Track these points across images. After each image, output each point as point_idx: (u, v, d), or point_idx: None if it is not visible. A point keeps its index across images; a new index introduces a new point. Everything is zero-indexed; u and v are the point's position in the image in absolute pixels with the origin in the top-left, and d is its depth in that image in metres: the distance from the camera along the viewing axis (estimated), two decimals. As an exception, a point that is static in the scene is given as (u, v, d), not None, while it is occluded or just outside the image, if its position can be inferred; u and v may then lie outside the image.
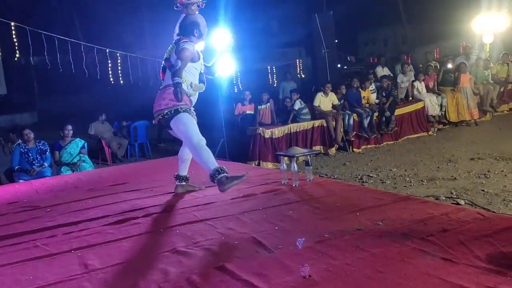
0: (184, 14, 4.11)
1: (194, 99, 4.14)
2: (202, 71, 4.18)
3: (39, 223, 3.70)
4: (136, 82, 11.96)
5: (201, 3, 4.12)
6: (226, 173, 3.70)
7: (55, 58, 10.35)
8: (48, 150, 7.10)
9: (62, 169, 7.18)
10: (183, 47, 3.85)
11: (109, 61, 11.39)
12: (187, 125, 3.88)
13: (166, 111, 3.90)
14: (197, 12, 4.12)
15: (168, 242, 2.96)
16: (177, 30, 4.09)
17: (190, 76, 4.00)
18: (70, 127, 7.41)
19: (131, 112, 12.09)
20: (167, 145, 11.69)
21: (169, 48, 4.08)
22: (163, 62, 4.11)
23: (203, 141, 3.87)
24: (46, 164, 6.98)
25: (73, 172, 7.06)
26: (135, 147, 10.65)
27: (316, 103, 9.47)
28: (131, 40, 26.04)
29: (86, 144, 7.63)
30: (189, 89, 4.01)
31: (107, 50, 11.17)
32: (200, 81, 4.15)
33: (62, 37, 10.04)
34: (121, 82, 11.09)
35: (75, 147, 7.38)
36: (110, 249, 2.93)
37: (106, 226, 3.47)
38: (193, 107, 4.11)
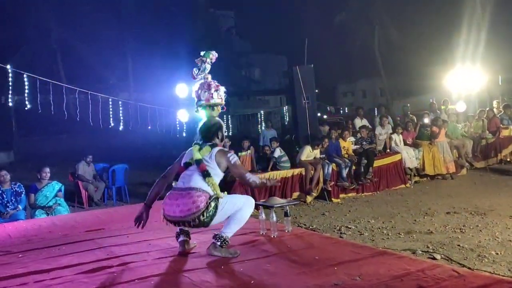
0: (205, 118, 4.14)
1: None
2: None
3: (10, 270, 3.60)
4: (116, 125, 11.96)
5: (223, 106, 4.31)
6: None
7: (36, 98, 10.33)
8: (24, 193, 6.97)
9: (36, 213, 7.03)
10: (236, 163, 3.86)
11: (90, 104, 11.42)
12: (234, 200, 3.91)
13: (207, 211, 3.67)
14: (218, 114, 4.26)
15: (142, 294, 2.90)
16: (199, 133, 4.03)
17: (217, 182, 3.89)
18: (47, 169, 7.32)
19: (110, 155, 12.02)
20: (146, 189, 11.57)
21: (200, 150, 3.88)
22: (189, 161, 3.89)
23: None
24: (20, 207, 6.83)
25: (48, 215, 6.92)
26: (112, 190, 10.51)
27: (303, 156, 9.49)
28: (114, 82, 26.25)
29: (63, 188, 7.52)
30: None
31: (89, 93, 11.21)
32: None
33: (43, 78, 10.06)
34: (101, 125, 11.08)
35: (51, 190, 7.26)
36: (82, 300, 2.86)
37: (80, 274, 3.40)
38: None
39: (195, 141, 4.03)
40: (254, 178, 3.87)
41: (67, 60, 25.53)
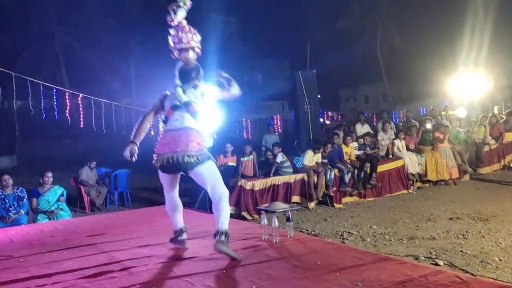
0: (181, 62, 4.24)
1: None
2: None
3: (11, 274, 3.60)
4: (119, 130, 11.96)
5: (199, 48, 4.33)
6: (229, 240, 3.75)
7: (39, 103, 10.35)
8: (26, 197, 6.98)
9: (38, 217, 7.03)
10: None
11: (93, 109, 11.43)
12: (217, 173, 3.95)
13: (196, 155, 3.81)
14: (195, 58, 4.32)
15: (144, 299, 2.89)
16: (178, 75, 4.19)
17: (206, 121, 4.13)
18: (50, 174, 7.33)
19: (112, 160, 12.02)
20: (149, 194, 11.58)
21: (184, 92, 4.06)
22: (176, 103, 4.05)
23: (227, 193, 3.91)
24: (22, 211, 6.84)
25: (50, 220, 6.92)
26: (115, 195, 10.51)
27: (305, 161, 9.50)
28: (117, 87, 26.31)
29: (65, 192, 7.52)
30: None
31: (92, 98, 11.23)
32: None
33: (46, 83, 10.07)
34: (104, 130, 11.09)
35: (53, 194, 7.27)
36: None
37: (81, 279, 3.39)
38: None
39: (176, 84, 4.17)
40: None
41: (71, 65, 25.61)
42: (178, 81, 4.18)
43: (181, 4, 4.22)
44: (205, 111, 4.08)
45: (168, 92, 4.22)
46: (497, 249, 5.63)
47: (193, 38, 4.24)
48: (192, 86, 4.10)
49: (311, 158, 9.54)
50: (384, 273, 3.17)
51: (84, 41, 25.44)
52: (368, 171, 9.98)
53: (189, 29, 4.24)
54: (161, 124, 4.16)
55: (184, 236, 4.22)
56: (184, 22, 4.25)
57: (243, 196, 8.68)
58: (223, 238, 3.66)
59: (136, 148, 3.99)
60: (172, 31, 4.24)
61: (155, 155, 3.94)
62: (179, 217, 4.24)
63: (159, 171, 4.04)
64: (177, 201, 4.23)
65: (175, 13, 4.19)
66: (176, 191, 4.23)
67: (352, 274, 3.19)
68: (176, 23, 4.22)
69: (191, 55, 4.24)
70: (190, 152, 3.79)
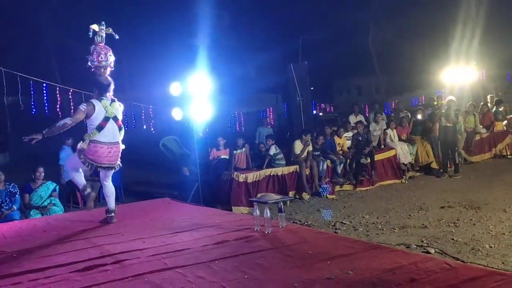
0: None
1: None
2: None
3: (4, 269, 3.59)
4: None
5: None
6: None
7: (30, 99, 10.27)
8: (18, 193, 6.96)
9: (31, 213, 7.01)
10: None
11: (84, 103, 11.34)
12: None
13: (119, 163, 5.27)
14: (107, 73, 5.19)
15: (136, 291, 2.91)
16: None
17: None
18: (42, 169, 7.31)
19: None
20: (142, 187, 11.56)
21: (111, 105, 5.07)
22: (107, 115, 5.01)
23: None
24: (15, 207, 6.82)
25: (42, 215, 6.90)
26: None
27: (297, 150, 9.54)
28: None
29: (57, 187, 7.51)
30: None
31: (83, 93, 11.16)
32: None
33: (37, 79, 9.98)
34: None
35: (46, 190, 7.25)
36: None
37: (74, 273, 3.40)
38: None
39: (101, 97, 5.01)
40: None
41: (62, 60, 25.41)
42: (97, 93, 5.04)
43: (107, 31, 5.13)
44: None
45: (94, 103, 4.94)
46: (487, 237, 5.70)
47: (112, 59, 5.15)
48: (111, 100, 5.05)
49: (300, 147, 9.56)
50: (374, 261, 3.21)
51: (75, 35, 25.22)
52: (367, 162, 10.12)
53: (109, 50, 5.14)
54: (94, 131, 4.93)
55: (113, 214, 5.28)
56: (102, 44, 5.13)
57: (237, 188, 8.70)
58: (112, 214, 5.18)
59: (39, 138, 4.80)
60: (96, 48, 5.09)
61: (90, 160, 4.95)
62: (112, 199, 5.33)
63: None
64: (111, 187, 5.41)
65: (101, 36, 5.11)
66: (110, 179, 5.38)
67: (343, 262, 3.22)
68: (101, 44, 5.10)
69: (108, 72, 5.12)
70: (119, 162, 5.21)
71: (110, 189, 5.37)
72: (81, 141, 5.02)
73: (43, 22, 25.23)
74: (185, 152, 9.69)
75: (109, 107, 4.98)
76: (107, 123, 4.96)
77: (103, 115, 4.94)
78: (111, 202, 5.32)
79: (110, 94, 5.08)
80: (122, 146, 5.22)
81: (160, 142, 10.15)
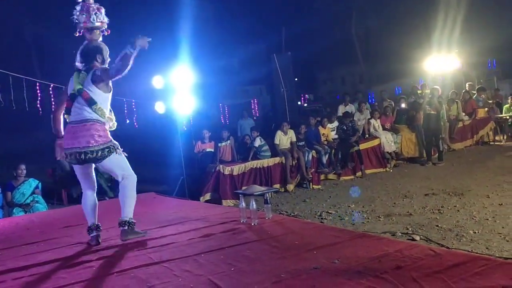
0: (86, 41, 4.03)
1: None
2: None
3: (-14, 269, 3.54)
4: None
5: (105, 29, 4.09)
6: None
7: (9, 95, 10.10)
8: (0, 191, 6.86)
9: (14, 210, 6.93)
10: (106, 68, 3.88)
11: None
12: (124, 163, 4.00)
13: (99, 151, 3.79)
14: (100, 39, 4.09)
15: (121, 287, 2.88)
16: (78, 57, 3.96)
17: (105, 107, 3.94)
18: (23, 166, 7.21)
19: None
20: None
21: (78, 77, 3.90)
22: (72, 92, 3.91)
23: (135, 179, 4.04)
24: (-3, 205, 6.73)
25: (25, 213, 6.82)
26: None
27: (276, 141, 9.58)
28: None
29: (40, 185, 7.41)
30: (108, 121, 3.98)
31: (63, 88, 10.99)
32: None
33: (16, 74, 9.81)
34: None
35: (28, 187, 7.16)
36: (60, 295, 2.83)
37: (59, 270, 3.36)
38: None
39: (76, 67, 3.97)
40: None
41: (42, 56, 25.06)
42: (78, 64, 3.96)
43: None
44: (102, 95, 3.90)
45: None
46: (471, 222, 5.77)
47: (104, 19, 4.05)
48: (86, 69, 3.91)
49: (281, 138, 9.57)
50: (360, 249, 3.22)
51: (55, 30, 24.86)
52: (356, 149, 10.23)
53: (87, 8, 3.97)
54: (66, 116, 4.01)
55: (95, 233, 4.04)
56: (92, 0, 4.04)
57: (222, 181, 8.68)
58: (126, 227, 3.90)
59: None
60: (78, 8, 3.99)
61: (64, 149, 3.90)
62: (93, 214, 4.10)
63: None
64: (93, 200, 4.13)
65: None
66: (93, 190, 4.15)
67: (329, 252, 3.22)
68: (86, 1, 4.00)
69: (98, 35, 4.05)
70: (92, 148, 3.77)
71: (88, 199, 4.16)
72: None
73: (24, 17, 24.80)
74: None
75: (75, 81, 3.95)
76: (71, 102, 3.96)
77: (69, 92, 4.01)
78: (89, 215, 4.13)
79: (96, 62, 4.02)
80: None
81: None
